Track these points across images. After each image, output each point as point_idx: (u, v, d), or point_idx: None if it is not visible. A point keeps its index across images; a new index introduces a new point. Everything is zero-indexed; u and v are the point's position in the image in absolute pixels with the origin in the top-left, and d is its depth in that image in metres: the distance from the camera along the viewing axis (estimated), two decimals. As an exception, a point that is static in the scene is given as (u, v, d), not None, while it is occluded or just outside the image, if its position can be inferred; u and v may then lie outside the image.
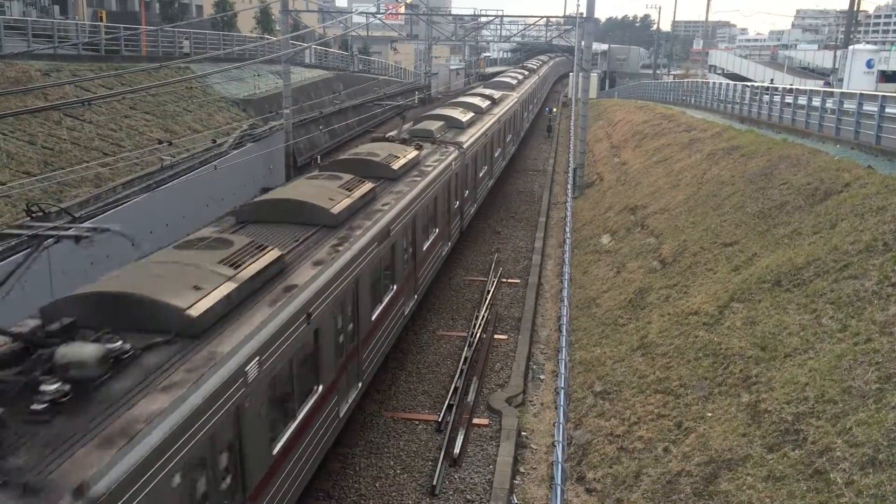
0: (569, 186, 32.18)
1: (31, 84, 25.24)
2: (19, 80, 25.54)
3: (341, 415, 11.06)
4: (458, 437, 12.93)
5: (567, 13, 65.13)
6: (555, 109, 60.91)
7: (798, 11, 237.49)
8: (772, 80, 53.25)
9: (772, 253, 14.60)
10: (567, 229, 24.64)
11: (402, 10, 61.62)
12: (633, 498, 10.28)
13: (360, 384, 12.06)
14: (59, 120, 24.65)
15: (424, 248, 16.93)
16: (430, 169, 18.00)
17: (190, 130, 30.72)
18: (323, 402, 10.15)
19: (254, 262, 8.93)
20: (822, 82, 57.48)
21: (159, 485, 5.86)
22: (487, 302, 19.54)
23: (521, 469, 12.38)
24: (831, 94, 23.50)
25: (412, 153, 18.16)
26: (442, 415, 13.74)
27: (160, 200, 23.07)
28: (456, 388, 14.70)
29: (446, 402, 14.19)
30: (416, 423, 13.65)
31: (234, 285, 8.25)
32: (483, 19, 47.09)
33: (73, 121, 25.32)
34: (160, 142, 25.40)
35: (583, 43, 36.17)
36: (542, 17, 43.39)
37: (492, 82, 43.01)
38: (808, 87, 29.98)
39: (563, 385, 13.54)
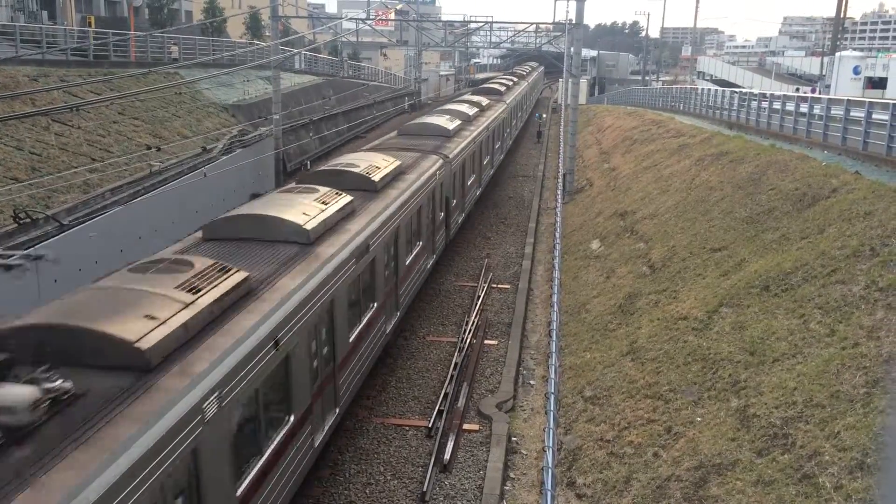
0: (558, 192, 32.24)
1: (19, 89, 25.12)
2: (7, 86, 25.41)
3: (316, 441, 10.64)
4: (449, 443, 12.90)
5: (556, 20, 65.33)
6: (544, 115, 61.10)
7: (785, 18, 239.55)
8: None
9: (760, 258, 14.67)
10: (557, 235, 24.70)
11: (392, 16, 61.71)
12: (624, 503, 10.28)
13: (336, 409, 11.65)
14: (47, 125, 24.52)
15: (406, 263, 16.32)
16: (412, 180, 17.14)
17: (179, 136, 30.62)
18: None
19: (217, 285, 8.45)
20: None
21: None
22: (478, 307, 19.54)
23: (512, 475, 12.37)
24: (818, 101, 23.67)
25: (394, 163, 16.98)
26: (432, 420, 13.72)
27: (149, 206, 22.97)
28: (446, 394, 14.67)
29: (436, 407, 14.16)
30: (407, 429, 13.62)
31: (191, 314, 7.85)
32: (473, 25, 47.24)
33: (62, 126, 25.20)
34: (149, 147, 25.31)
35: (572, 49, 36.27)
36: (532, 24, 43.50)
37: (480, 88, 42.75)
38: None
39: (553, 390, 13.54)
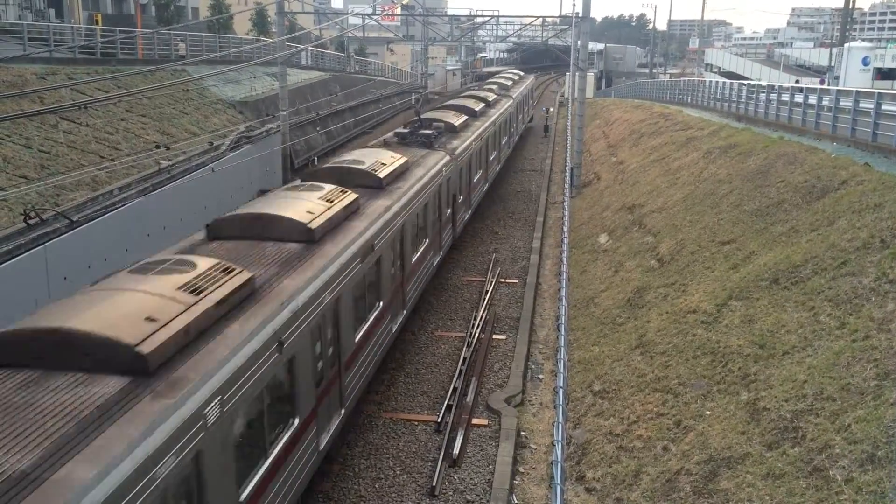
0: (566, 186, 32.18)
1: (27, 88, 25.21)
2: (15, 84, 25.50)
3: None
4: (458, 438, 12.93)
5: (563, 13, 65.12)
6: (551, 110, 60.95)
7: (793, 9, 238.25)
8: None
9: (769, 251, 14.61)
10: (565, 229, 24.64)
11: (398, 11, 61.60)
12: (633, 497, 10.28)
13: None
14: (55, 123, 24.62)
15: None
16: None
17: (187, 133, 30.70)
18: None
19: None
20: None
21: None
22: (486, 302, 19.54)
23: (521, 469, 12.39)
24: (827, 92, 23.54)
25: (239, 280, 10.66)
26: (441, 415, 13.74)
27: (157, 203, 23.05)
28: (455, 389, 14.70)
29: (445, 402, 14.19)
30: (416, 423, 13.65)
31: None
32: (479, 20, 47.05)
33: (70, 124, 25.29)
34: (157, 146, 25.38)
35: (579, 42, 36.16)
36: (538, 17, 43.36)
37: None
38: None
39: (561, 384, 13.54)
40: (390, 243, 14.25)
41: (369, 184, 15.38)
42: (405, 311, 15.88)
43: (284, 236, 11.14)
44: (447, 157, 20.50)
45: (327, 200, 12.60)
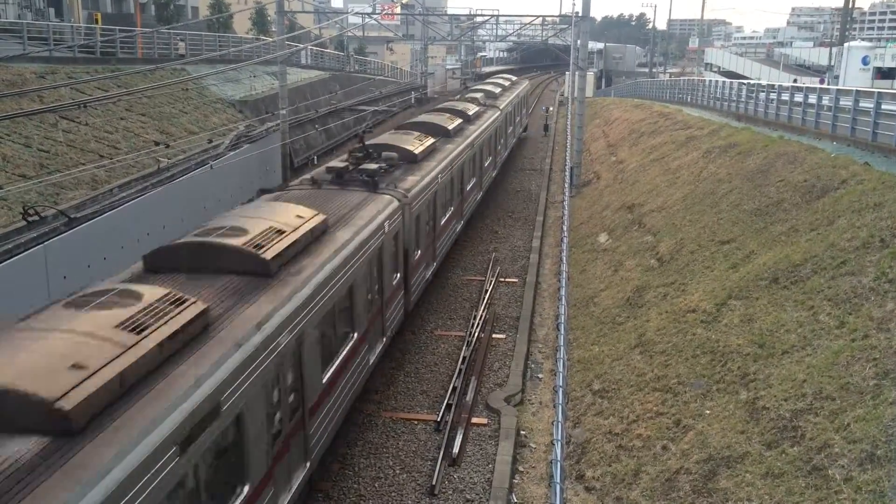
0: (566, 185, 32.19)
1: (27, 87, 25.21)
2: (15, 83, 25.51)
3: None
4: (457, 437, 12.93)
5: (563, 12, 65.12)
6: (551, 109, 60.96)
7: (793, 9, 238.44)
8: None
9: (769, 250, 14.62)
10: (564, 228, 24.64)
11: (398, 10, 61.65)
12: (633, 496, 10.29)
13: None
14: (54, 122, 24.62)
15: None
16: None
17: (186, 132, 30.70)
18: None
19: None
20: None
21: None
22: (485, 301, 19.54)
23: (521, 468, 12.39)
24: (827, 91, 23.53)
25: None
26: (441, 414, 13.74)
27: (157, 202, 23.05)
28: (454, 388, 14.70)
29: (445, 401, 14.19)
30: (415, 423, 13.65)
31: None
32: (479, 19, 47.07)
33: (69, 123, 25.29)
34: (157, 143, 25.38)
35: (578, 42, 36.17)
36: (538, 17, 43.40)
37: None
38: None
39: (561, 384, 13.55)
40: (268, 382, 8.48)
41: (248, 269, 9.48)
42: (308, 464, 10.05)
43: (13, 427, 5.74)
44: (396, 203, 15.00)
45: (134, 329, 6.97)
